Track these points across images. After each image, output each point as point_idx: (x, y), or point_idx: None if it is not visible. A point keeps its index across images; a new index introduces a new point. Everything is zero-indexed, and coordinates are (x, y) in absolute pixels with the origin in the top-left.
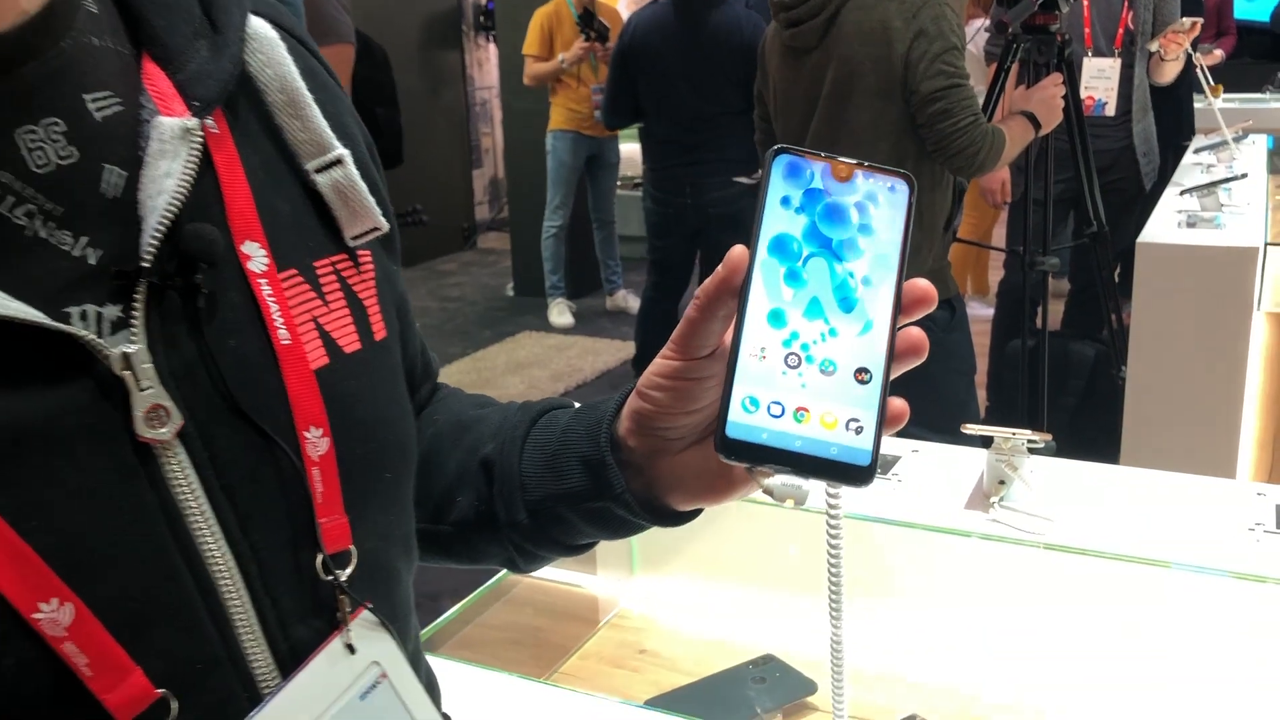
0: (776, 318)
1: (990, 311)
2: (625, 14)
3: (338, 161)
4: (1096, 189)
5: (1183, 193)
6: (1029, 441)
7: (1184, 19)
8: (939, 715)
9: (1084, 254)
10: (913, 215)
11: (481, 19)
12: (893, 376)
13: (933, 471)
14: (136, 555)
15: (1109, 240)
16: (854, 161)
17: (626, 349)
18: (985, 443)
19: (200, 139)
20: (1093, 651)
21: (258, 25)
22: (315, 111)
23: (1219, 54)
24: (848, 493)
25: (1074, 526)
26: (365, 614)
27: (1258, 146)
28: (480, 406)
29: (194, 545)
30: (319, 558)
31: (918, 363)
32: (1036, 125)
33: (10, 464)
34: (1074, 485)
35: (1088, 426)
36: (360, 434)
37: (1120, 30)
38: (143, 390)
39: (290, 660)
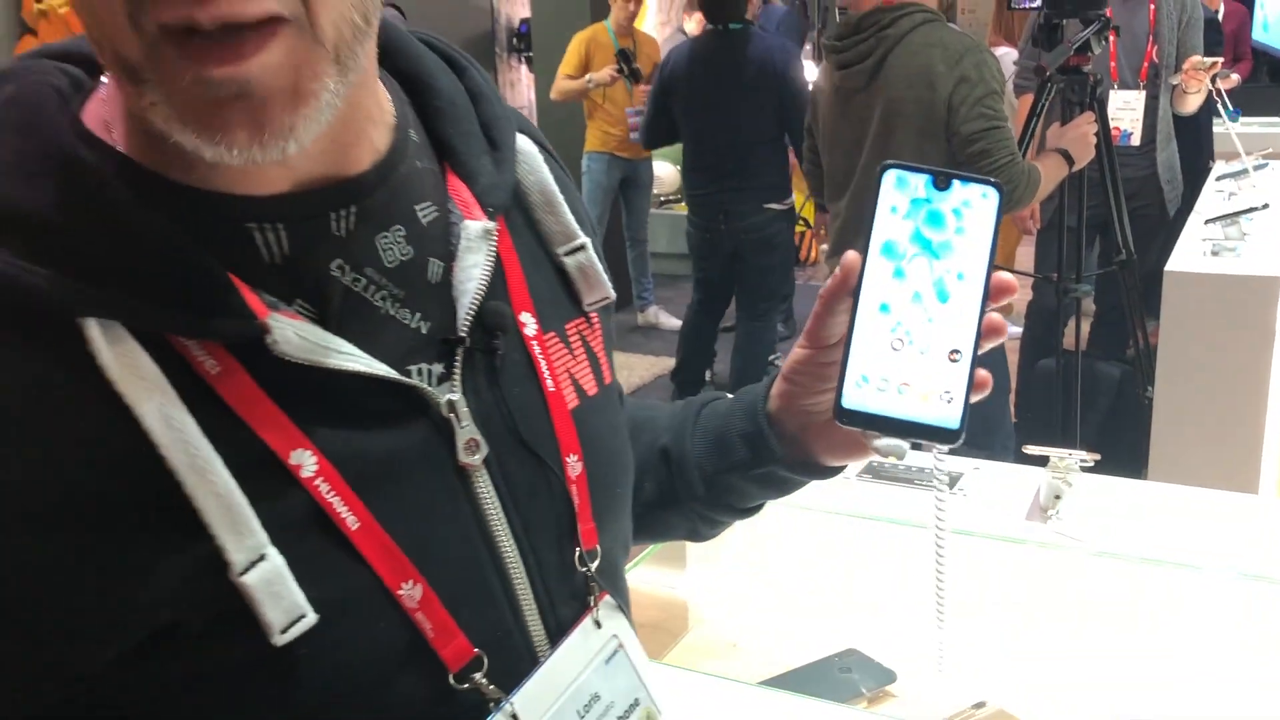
0: (884, 309)
1: (1016, 329)
2: (659, 38)
3: (581, 247)
4: (1126, 219)
5: (1207, 222)
6: (1081, 461)
7: (1205, 57)
8: (1006, 702)
9: (1111, 278)
10: (1000, 216)
11: (514, 41)
12: (977, 355)
13: (993, 487)
14: (459, 551)
15: (1137, 267)
16: (952, 171)
17: (659, 364)
18: (1042, 461)
19: (495, 238)
20: (1144, 649)
21: (522, 141)
22: (565, 208)
23: (1235, 78)
24: (925, 501)
25: (1124, 537)
26: (606, 598)
27: (1278, 173)
28: (648, 410)
29: (495, 544)
30: (577, 554)
31: (1000, 342)
32: (1070, 161)
33: (377, 481)
34: (1114, 500)
35: (1114, 443)
36: (602, 459)
37: (1145, 64)
38: (462, 427)
39: (557, 632)
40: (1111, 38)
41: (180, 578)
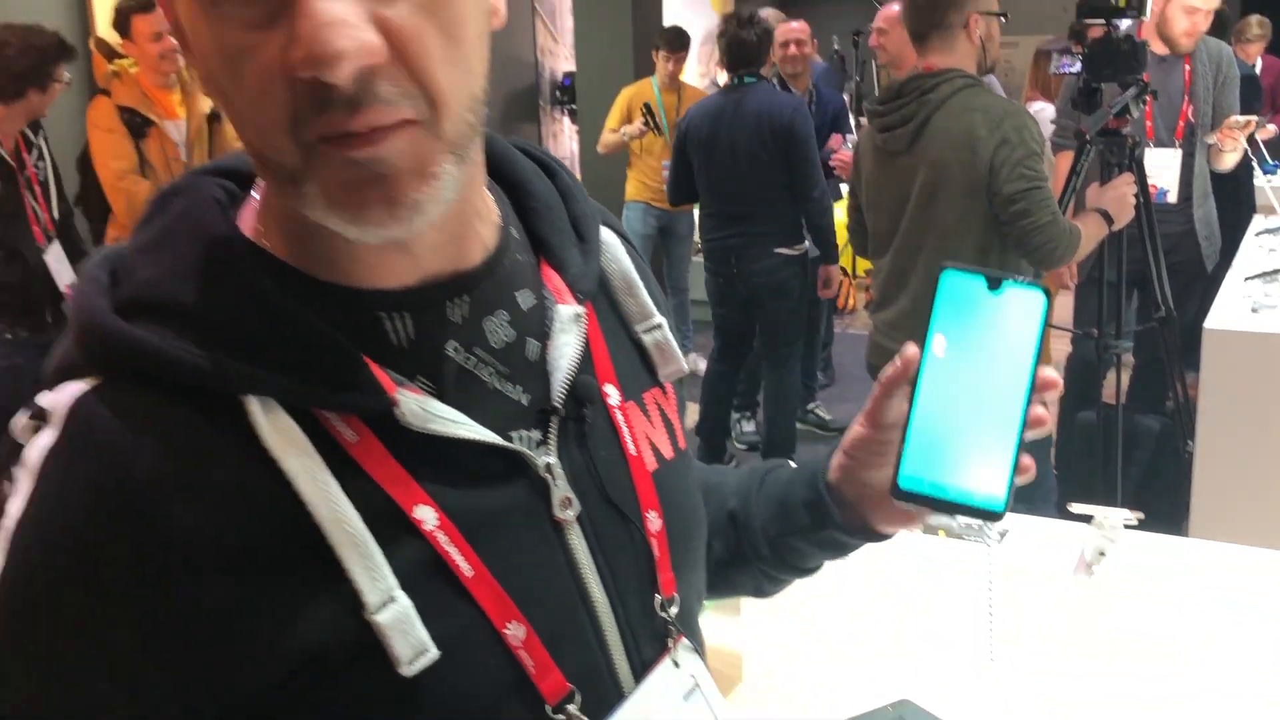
0: (938, 398)
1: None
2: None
3: (658, 326)
4: (1165, 276)
5: (1247, 279)
6: (1125, 520)
7: (1240, 116)
8: None
9: (1150, 331)
10: (1047, 317)
11: (557, 94)
12: (1020, 443)
13: (1039, 541)
14: (556, 596)
15: (1177, 324)
16: (1004, 274)
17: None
18: (1087, 519)
19: (584, 320)
20: (1192, 698)
21: (605, 233)
22: (643, 292)
23: (1273, 129)
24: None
25: (1169, 591)
26: (684, 641)
27: None
28: (717, 474)
29: (586, 591)
30: (658, 600)
31: (1044, 434)
32: (1109, 221)
33: (486, 534)
34: (1158, 556)
35: (1154, 496)
36: (679, 516)
37: (1180, 123)
38: (557, 487)
39: (640, 670)
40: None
41: (323, 617)
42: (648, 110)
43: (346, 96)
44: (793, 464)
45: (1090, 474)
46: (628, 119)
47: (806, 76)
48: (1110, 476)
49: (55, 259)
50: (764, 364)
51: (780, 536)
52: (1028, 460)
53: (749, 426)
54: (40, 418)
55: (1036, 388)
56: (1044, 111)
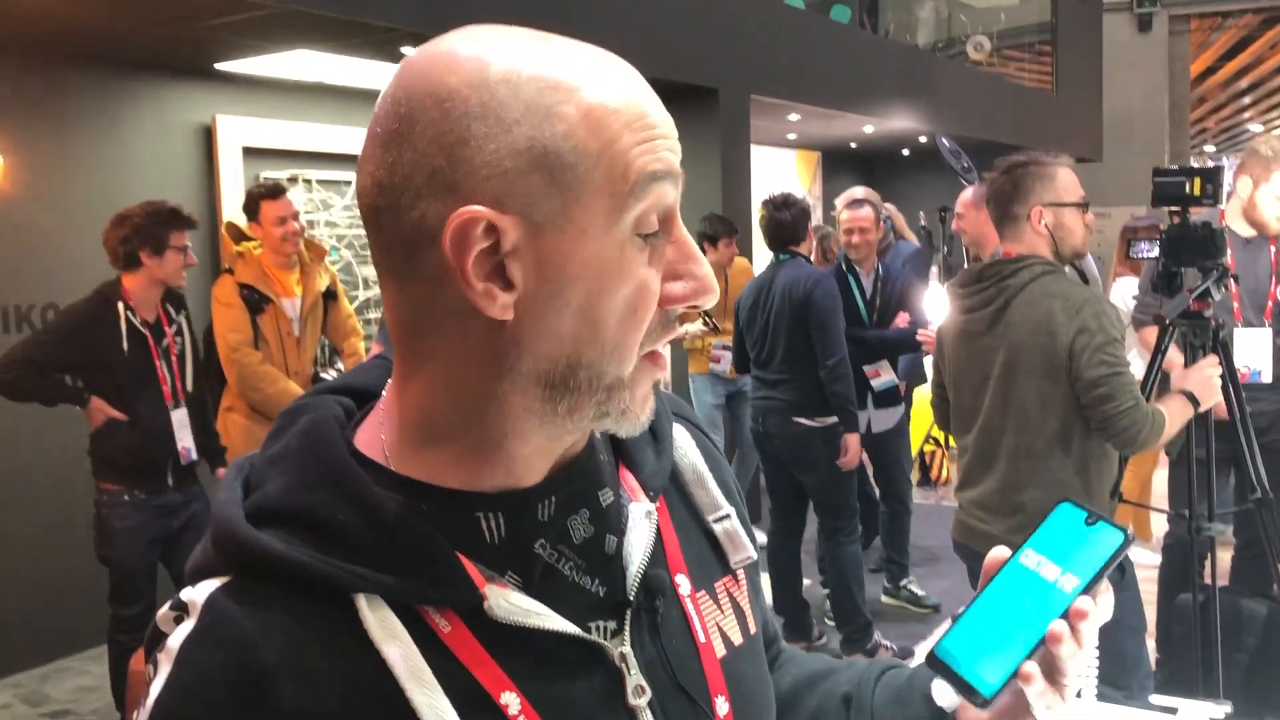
0: (1001, 595)
1: (1154, 557)
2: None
3: (726, 516)
4: (1258, 457)
5: None
6: (1210, 716)
7: None
8: None
9: (1250, 513)
10: (1119, 556)
11: None
12: (1032, 658)
13: None
14: None
15: (1274, 504)
16: (1103, 515)
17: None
18: (1171, 711)
19: (655, 517)
20: None
21: (677, 428)
22: (713, 483)
23: None
24: None
25: None
26: None
27: None
28: (829, 663)
29: None
30: None
31: (1058, 647)
32: (1195, 403)
33: (566, 718)
34: None
35: (1264, 684)
36: (746, 701)
37: (1269, 304)
38: (630, 675)
39: None
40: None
41: None
42: (706, 314)
43: (676, 318)
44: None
45: (1192, 661)
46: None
47: (871, 259)
48: (1210, 663)
49: (179, 423)
50: (819, 535)
51: None
52: (1028, 669)
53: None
54: (181, 609)
55: (1070, 612)
56: (1132, 286)
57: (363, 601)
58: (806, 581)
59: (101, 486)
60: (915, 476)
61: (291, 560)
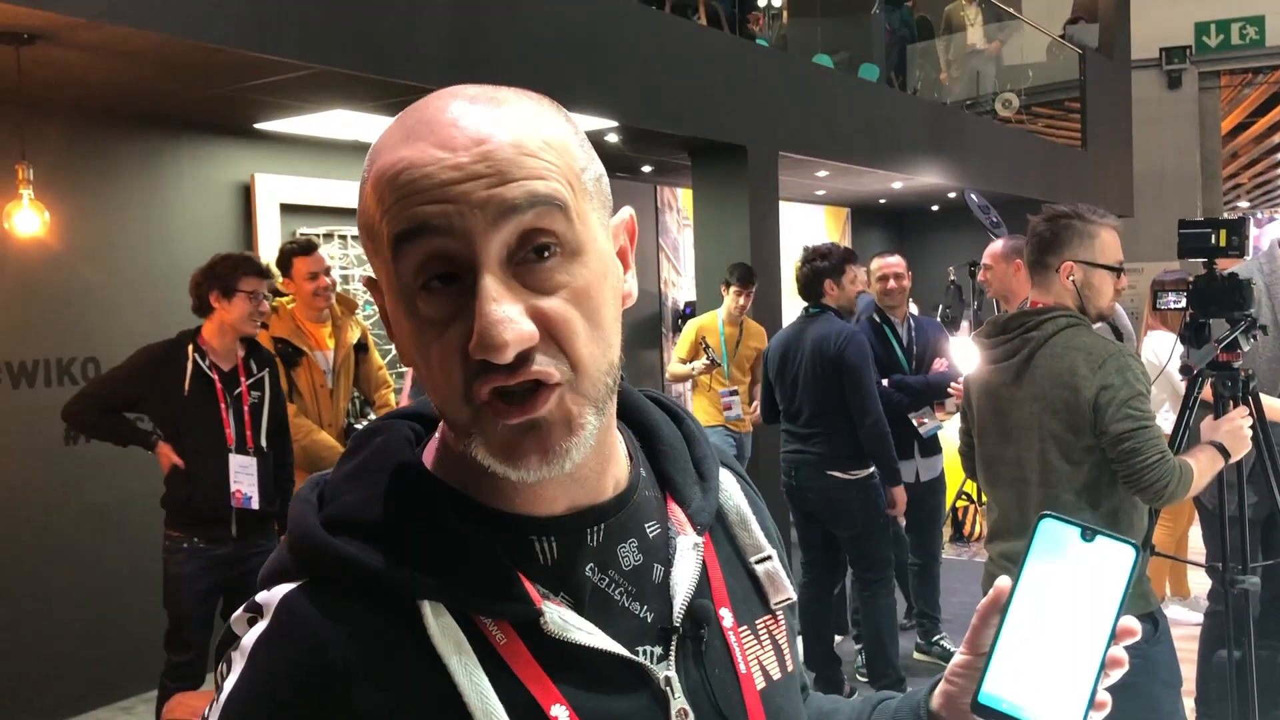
0: (1024, 632)
1: (1193, 615)
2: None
3: (768, 557)
4: None
5: None
6: None
7: None
8: None
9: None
10: (1135, 571)
11: (679, 320)
12: (1101, 685)
13: None
14: None
15: None
16: (1098, 528)
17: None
18: None
19: (701, 549)
20: None
21: (723, 473)
22: (755, 526)
23: None
24: None
25: None
26: None
27: None
28: (832, 702)
29: None
30: None
31: (1121, 673)
32: (1225, 455)
33: None
34: None
35: None
36: None
37: None
38: (675, 699)
39: None
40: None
41: None
42: (706, 346)
43: (505, 367)
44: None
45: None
46: (696, 351)
47: (904, 308)
48: (1246, 717)
49: (237, 468)
50: (853, 587)
51: None
52: (1104, 698)
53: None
54: (255, 611)
55: (1117, 635)
56: (1163, 341)
57: (427, 608)
58: (838, 638)
59: (168, 533)
60: (948, 532)
61: (364, 565)
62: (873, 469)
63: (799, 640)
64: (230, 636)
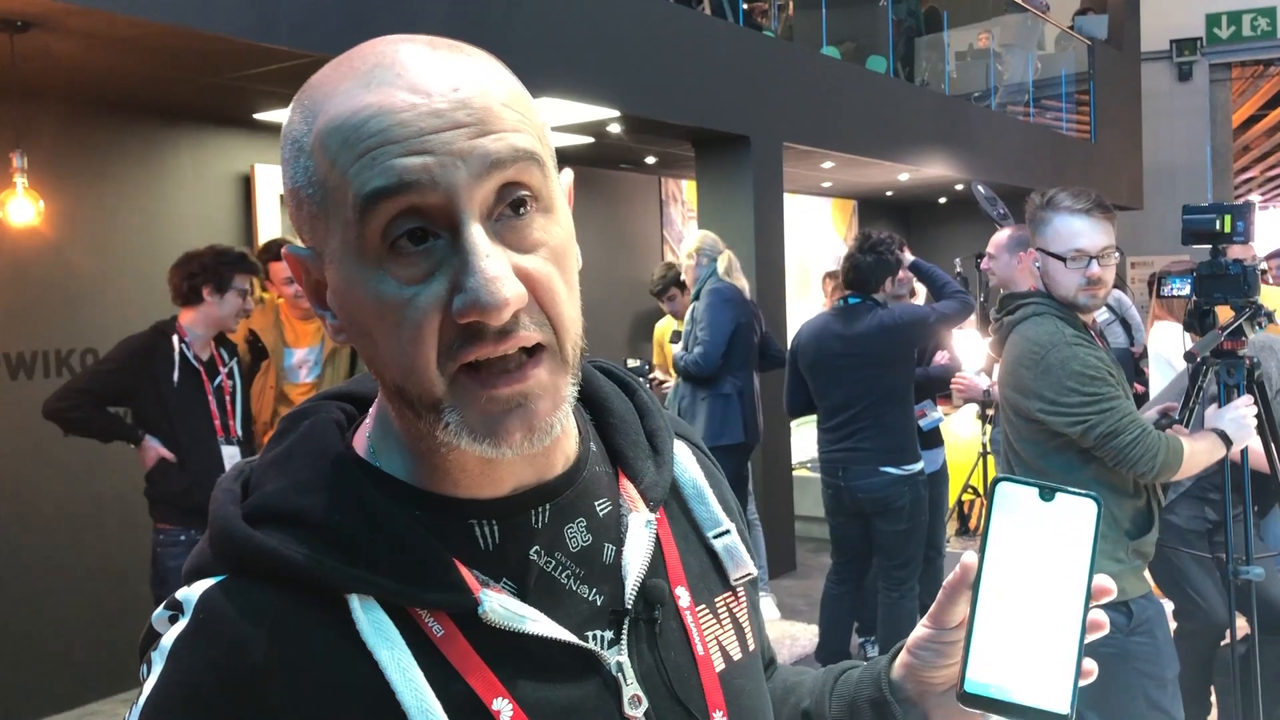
0: (999, 608)
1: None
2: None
3: (727, 531)
4: None
5: None
6: None
7: None
8: None
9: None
10: (1100, 525)
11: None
12: (1083, 648)
13: None
14: None
15: None
16: (1056, 485)
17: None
18: None
19: (655, 527)
20: None
21: (679, 445)
22: (712, 499)
23: None
24: None
25: None
26: None
27: None
28: (798, 674)
29: None
30: None
31: (1101, 634)
32: (1228, 443)
33: None
34: None
35: None
36: (745, 717)
37: None
38: (627, 685)
39: None
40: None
41: None
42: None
43: (496, 331)
44: (864, 663)
45: (1234, 711)
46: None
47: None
48: (1250, 712)
49: (230, 459)
50: (879, 585)
51: None
52: (1090, 665)
53: (874, 652)
54: (176, 609)
55: (1093, 594)
56: (1170, 332)
57: (356, 603)
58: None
59: (158, 526)
60: (953, 526)
61: (285, 559)
62: (922, 464)
63: (763, 616)
64: (151, 635)
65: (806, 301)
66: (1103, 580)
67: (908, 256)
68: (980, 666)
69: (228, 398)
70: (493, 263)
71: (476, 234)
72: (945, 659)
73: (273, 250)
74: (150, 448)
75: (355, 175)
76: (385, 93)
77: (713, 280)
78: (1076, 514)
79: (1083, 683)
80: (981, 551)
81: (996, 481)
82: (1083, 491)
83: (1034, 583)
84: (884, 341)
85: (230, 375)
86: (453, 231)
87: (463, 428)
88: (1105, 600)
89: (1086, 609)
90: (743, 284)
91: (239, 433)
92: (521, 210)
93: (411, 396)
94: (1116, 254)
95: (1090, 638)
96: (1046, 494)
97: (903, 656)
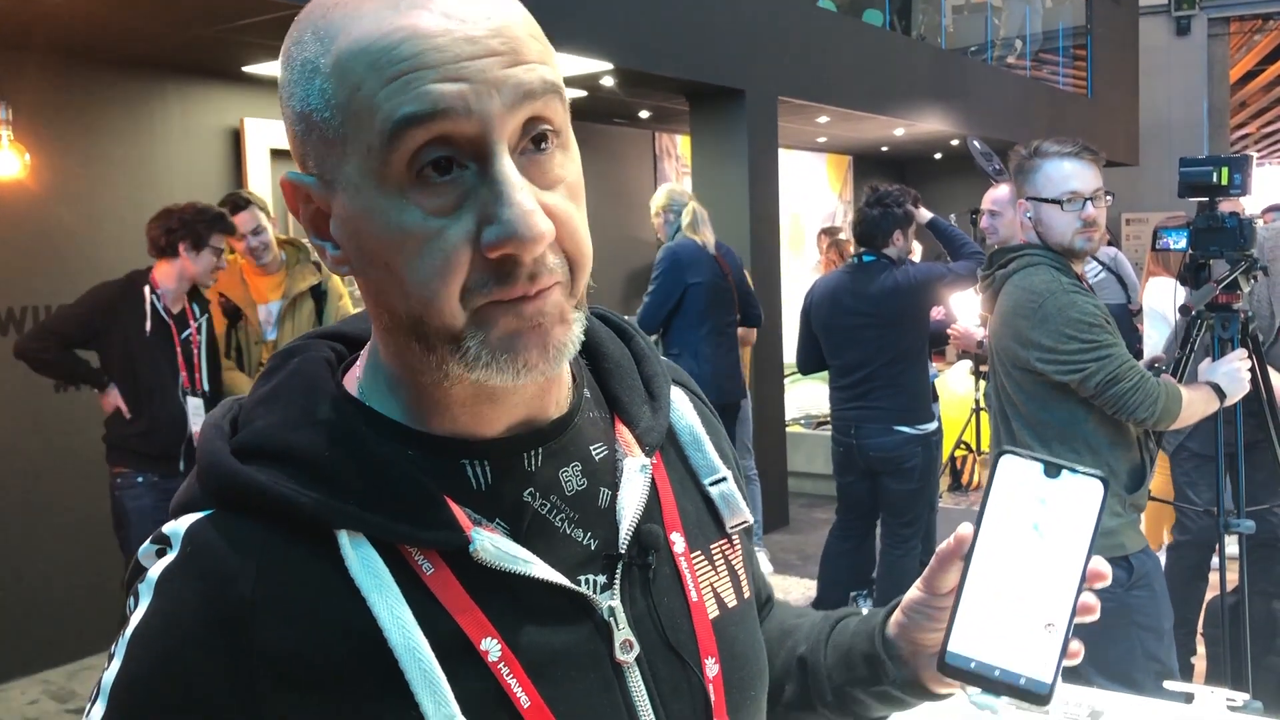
0: (990, 581)
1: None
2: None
3: (723, 479)
4: None
5: None
6: (1228, 700)
7: None
8: None
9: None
10: (1104, 506)
11: None
12: (1071, 629)
13: None
14: None
15: None
16: (1062, 462)
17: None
18: (1187, 698)
19: (650, 472)
20: None
21: (675, 391)
22: (709, 446)
23: None
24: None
25: None
26: None
27: None
28: (799, 616)
29: None
30: None
31: (1091, 619)
32: (1221, 396)
33: (548, 669)
34: None
35: None
36: (737, 664)
37: None
38: (619, 630)
39: None
40: None
41: None
42: None
43: (528, 269)
44: (864, 611)
45: (1223, 661)
46: None
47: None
48: (1241, 665)
49: (193, 410)
50: (881, 542)
51: (842, 686)
52: (1077, 646)
53: (865, 605)
54: (163, 543)
55: (1088, 577)
56: (1165, 287)
57: (345, 539)
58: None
59: (115, 470)
60: (946, 481)
61: (274, 493)
62: (936, 423)
63: (759, 563)
64: (138, 569)
65: (801, 259)
66: (1100, 564)
67: (924, 214)
68: (963, 639)
69: (195, 350)
70: (527, 195)
71: (508, 166)
72: (935, 623)
73: (235, 203)
74: (112, 398)
75: (385, 100)
76: (417, 15)
77: (678, 237)
78: (1081, 493)
79: (1068, 662)
80: (978, 524)
81: (1001, 453)
82: (1090, 471)
83: (1028, 560)
84: (898, 302)
85: (200, 330)
86: (480, 162)
87: (483, 349)
88: (1100, 585)
89: (1080, 591)
90: (708, 238)
91: (204, 387)
92: (543, 145)
93: (429, 329)
94: (1109, 196)
95: (1082, 619)
96: (1052, 471)
97: (897, 615)
